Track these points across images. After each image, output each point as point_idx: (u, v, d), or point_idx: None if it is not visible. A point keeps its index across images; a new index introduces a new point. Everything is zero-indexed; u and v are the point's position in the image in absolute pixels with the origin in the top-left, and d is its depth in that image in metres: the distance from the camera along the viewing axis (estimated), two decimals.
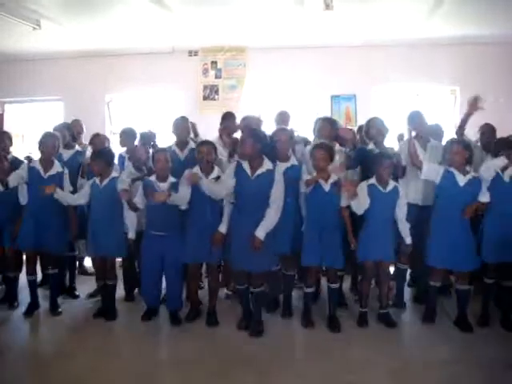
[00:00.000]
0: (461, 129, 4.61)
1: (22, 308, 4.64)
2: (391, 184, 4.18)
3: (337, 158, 4.40)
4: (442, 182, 4.07)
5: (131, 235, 4.39)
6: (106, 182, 4.36)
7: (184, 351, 3.84)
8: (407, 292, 4.94)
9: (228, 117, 5.34)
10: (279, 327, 4.27)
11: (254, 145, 3.95)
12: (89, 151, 5.24)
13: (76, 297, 5.07)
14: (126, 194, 4.15)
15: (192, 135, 5.14)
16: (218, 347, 3.93)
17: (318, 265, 4.15)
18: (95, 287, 4.88)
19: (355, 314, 4.35)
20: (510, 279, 4.12)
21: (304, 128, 5.49)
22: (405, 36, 6.53)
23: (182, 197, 4.13)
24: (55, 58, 7.41)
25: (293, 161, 4.29)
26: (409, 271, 5.10)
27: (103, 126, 7.42)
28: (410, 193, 4.44)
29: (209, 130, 5.42)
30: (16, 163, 4.77)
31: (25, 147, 7.52)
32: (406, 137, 4.73)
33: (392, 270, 4.63)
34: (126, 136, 5.24)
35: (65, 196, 4.42)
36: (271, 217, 3.92)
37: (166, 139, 5.39)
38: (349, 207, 4.11)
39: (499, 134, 4.62)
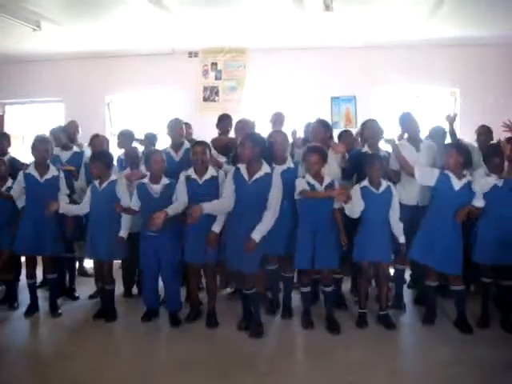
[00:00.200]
0: (452, 135, 4.68)
1: (22, 309, 4.64)
2: (384, 184, 4.19)
3: (334, 164, 4.40)
4: (438, 185, 4.08)
5: (122, 233, 4.34)
6: (105, 184, 4.36)
7: (184, 352, 3.84)
8: (408, 294, 4.94)
9: (223, 119, 5.35)
10: (279, 328, 4.27)
11: (253, 148, 3.96)
12: (88, 152, 5.26)
13: (76, 298, 5.08)
14: (118, 206, 4.21)
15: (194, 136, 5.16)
16: (217, 348, 3.93)
17: (311, 268, 4.13)
18: (95, 288, 4.89)
19: (355, 316, 4.35)
20: (508, 279, 4.12)
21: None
22: (405, 37, 6.53)
23: (180, 206, 4.15)
24: (55, 59, 7.42)
25: (289, 163, 4.31)
26: (409, 273, 5.12)
27: (103, 127, 7.42)
28: (407, 194, 4.45)
29: (209, 131, 5.43)
30: (14, 164, 4.78)
31: (25, 148, 7.51)
32: (396, 139, 4.74)
33: (392, 271, 4.64)
34: (124, 138, 5.25)
35: (69, 208, 4.45)
36: (268, 220, 3.91)
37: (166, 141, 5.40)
38: (342, 209, 4.13)
39: (500, 136, 4.61)
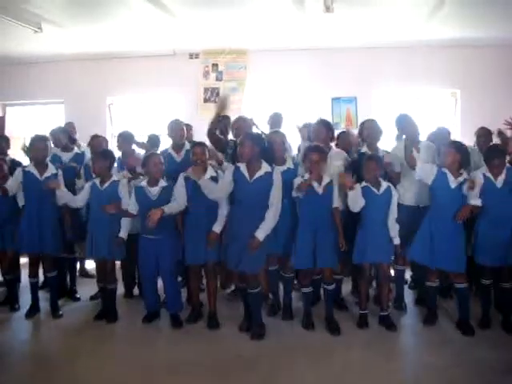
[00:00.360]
0: None
1: (23, 310, 4.65)
2: (384, 185, 4.19)
3: (338, 162, 4.41)
4: (435, 182, 4.08)
5: (122, 234, 4.35)
6: (106, 184, 4.37)
7: (185, 353, 3.84)
8: (408, 294, 4.94)
9: (223, 119, 5.34)
10: (280, 330, 4.27)
11: (252, 147, 3.97)
12: (88, 152, 5.28)
13: (77, 299, 5.08)
14: (112, 207, 4.22)
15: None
16: (218, 349, 3.93)
17: (310, 268, 4.14)
18: (96, 289, 4.90)
19: (355, 317, 4.35)
20: (508, 281, 4.12)
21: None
22: (405, 38, 6.53)
23: (178, 205, 4.17)
24: (57, 60, 7.43)
25: (289, 164, 4.33)
26: (410, 273, 5.12)
27: (104, 129, 7.44)
28: (408, 194, 4.45)
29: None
30: (14, 165, 4.79)
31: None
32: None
33: (392, 272, 4.64)
34: (123, 139, 5.25)
35: (65, 195, 4.40)
36: (271, 219, 3.93)
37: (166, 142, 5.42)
38: (343, 209, 4.13)
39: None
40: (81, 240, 4.81)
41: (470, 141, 5.01)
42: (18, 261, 4.88)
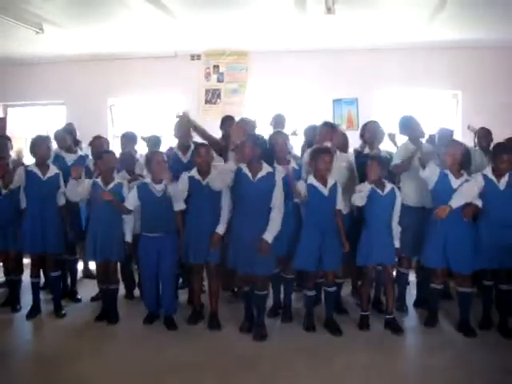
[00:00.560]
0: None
1: (25, 311, 4.65)
2: (388, 186, 4.19)
3: (343, 164, 4.42)
4: (437, 184, 4.07)
5: (128, 238, 4.39)
6: (111, 186, 4.36)
7: (185, 354, 3.84)
8: (409, 296, 4.92)
9: (226, 120, 5.35)
10: (280, 331, 4.27)
11: (253, 148, 3.98)
12: (89, 153, 5.28)
13: (78, 300, 5.08)
14: (111, 196, 4.22)
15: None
16: (219, 350, 3.93)
17: (312, 270, 4.13)
18: (97, 291, 4.89)
19: (355, 319, 4.35)
20: (507, 283, 4.11)
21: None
22: (406, 40, 6.53)
23: (179, 192, 4.19)
24: (58, 61, 7.43)
25: (293, 164, 4.33)
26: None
27: (106, 130, 7.44)
28: (413, 195, 4.45)
29: (211, 133, 5.42)
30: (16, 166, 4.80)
31: (27, 151, 7.53)
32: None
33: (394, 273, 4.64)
34: (126, 140, 5.28)
35: (78, 187, 4.32)
36: (277, 220, 3.96)
37: (169, 143, 5.43)
38: (348, 211, 4.13)
39: (501, 137, 4.61)
40: (81, 241, 4.82)
41: (470, 142, 5.02)
42: (21, 262, 4.89)
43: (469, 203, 3.98)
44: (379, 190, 4.15)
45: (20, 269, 4.86)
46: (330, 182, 4.10)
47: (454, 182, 4.01)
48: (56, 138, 5.19)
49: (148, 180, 4.30)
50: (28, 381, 3.52)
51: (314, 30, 6.13)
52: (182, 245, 4.27)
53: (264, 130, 5.17)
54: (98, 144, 5.25)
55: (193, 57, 7.47)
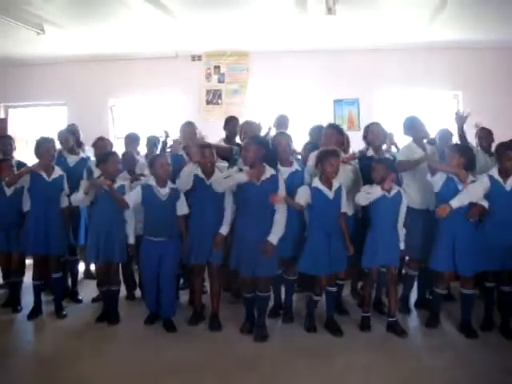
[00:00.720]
0: (460, 137, 4.59)
1: (25, 312, 4.65)
2: (395, 188, 4.15)
3: (349, 166, 4.41)
4: (444, 187, 4.03)
5: (131, 240, 4.40)
6: (115, 188, 4.34)
7: (186, 355, 3.83)
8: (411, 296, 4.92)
9: (230, 121, 5.35)
10: (280, 332, 4.27)
11: (256, 151, 3.97)
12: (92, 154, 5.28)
13: (79, 301, 5.07)
14: (110, 183, 4.22)
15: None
16: (220, 351, 3.93)
17: (321, 274, 4.09)
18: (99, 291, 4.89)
19: (356, 320, 4.35)
20: (509, 285, 4.10)
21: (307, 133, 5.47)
22: (407, 40, 6.55)
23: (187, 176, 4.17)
24: (59, 62, 7.45)
25: (296, 166, 4.32)
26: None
27: (107, 131, 7.45)
28: (418, 198, 4.42)
29: (212, 134, 5.42)
30: (20, 167, 4.79)
31: (29, 151, 7.54)
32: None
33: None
34: (130, 141, 5.30)
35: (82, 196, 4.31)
36: (281, 222, 3.95)
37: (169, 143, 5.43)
38: (352, 214, 4.12)
39: (502, 138, 4.60)
40: (80, 242, 4.84)
41: (471, 142, 5.01)
42: (23, 263, 4.88)
43: (474, 204, 3.95)
44: (386, 193, 4.10)
45: (22, 270, 4.86)
46: (335, 185, 4.08)
47: (460, 184, 3.96)
48: (59, 138, 5.20)
49: (153, 183, 4.28)
50: (29, 381, 3.52)
51: (314, 31, 6.14)
52: (184, 249, 4.27)
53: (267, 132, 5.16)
54: (102, 146, 5.25)
55: (193, 57, 7.49)
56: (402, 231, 4.16)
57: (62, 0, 5.11)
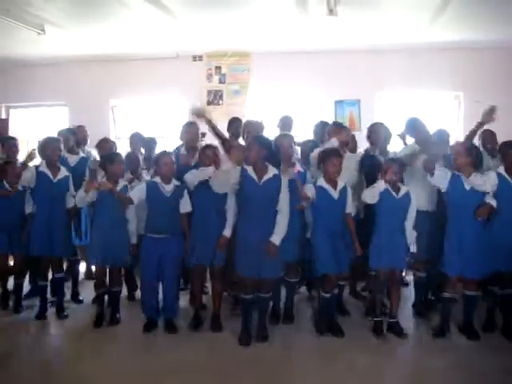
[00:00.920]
0: (468, 138, 4.55)
1: (26, 312, 4.67)
2: (403, 189, 4.12)
3: (352, 165, 4.40)
4: (450, 187, 3.99)
5: (134, 241, 4.40)
6: (118, 189, 4.31)
7: (186, 356, 3.83)
8: (409, 299, 4.91)
9: (233, 122, 5.35)
10: (281, 333, 4.26)
11: (259, 151, 3.96)
12: (93, 155, 5.28)
13: (80, 302, 5.07)
14: (105, 184, 4.20)
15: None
16: (220, 352, 3.93)
17: (335, 273, 4.05)
18: None
19: (356, 320, 4.34)
20: (509, 286, 4.08)
21: (308, 133, 5.47)
22: (408, 41, 6.53)
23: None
24: (60, 63, 7.43)
25: (298, 167, 4.29)
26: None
27: (108, 131, 7.44)
28: (421, 199, 4.36)
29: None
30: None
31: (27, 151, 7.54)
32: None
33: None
34: (135, 140, 5.37)
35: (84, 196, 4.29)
36: (283, 222, 3.94)
37: (170, 144, 5.44)
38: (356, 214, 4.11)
39: (502, 138, 4.59)
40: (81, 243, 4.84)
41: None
42: (25, 265, 4.85)
43: (482, 204, 3.92)
44: (394, 193, 4.07)
45: (23, 272, 4.85)
46: (340, 185, 4.07)
47: (467, 183, 3.94)
48: (60, 137, 5.18)
49: (158, 179, 4.28)
50: (29, 381, 3.51)
51: (315, 32, 6.13)
52: (188, 248, 4.26)
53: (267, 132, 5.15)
54: (107, 147, 5.24)
55: (194, 58, 7.48)
56: (412, 233, 4.11)
57: (62, 0, 5.11)
